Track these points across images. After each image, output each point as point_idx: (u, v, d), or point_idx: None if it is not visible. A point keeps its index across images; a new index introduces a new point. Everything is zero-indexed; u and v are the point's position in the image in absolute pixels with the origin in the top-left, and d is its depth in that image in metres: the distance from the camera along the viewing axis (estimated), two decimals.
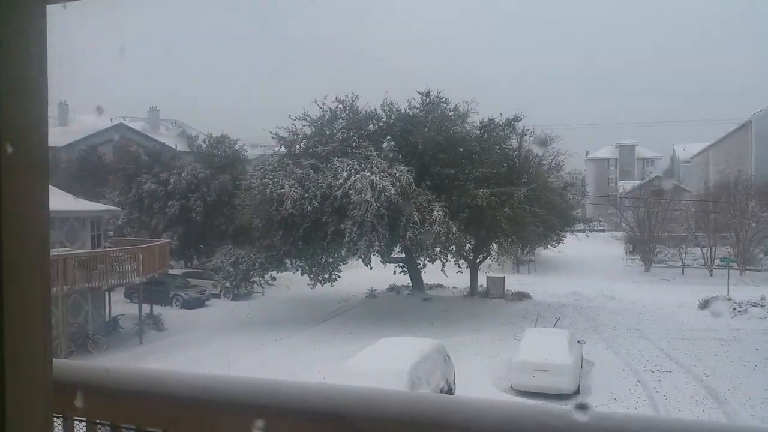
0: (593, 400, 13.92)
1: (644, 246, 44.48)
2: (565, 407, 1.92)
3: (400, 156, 25.96)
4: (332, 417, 1.86)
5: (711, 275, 38.74)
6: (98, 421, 2.24)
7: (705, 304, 26.01)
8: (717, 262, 39.83)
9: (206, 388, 2.04)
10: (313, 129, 28.67)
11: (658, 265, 43.72)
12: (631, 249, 47.46)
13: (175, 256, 34.12)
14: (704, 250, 42.06)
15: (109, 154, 41.80)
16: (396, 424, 1.83)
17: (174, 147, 45.61)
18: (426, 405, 1.90)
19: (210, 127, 40.17)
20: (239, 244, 28.24)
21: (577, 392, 14.83)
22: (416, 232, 23.47)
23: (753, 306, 24.58)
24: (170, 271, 30.09)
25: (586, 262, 44.27)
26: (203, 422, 2.08)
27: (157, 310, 25.43)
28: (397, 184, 23.53)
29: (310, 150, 27.51)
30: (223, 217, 32.94)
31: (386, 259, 29.18)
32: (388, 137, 27.53)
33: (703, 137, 63.00)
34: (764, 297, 25.90)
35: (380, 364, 11.31)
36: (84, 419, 2.23)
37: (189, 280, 31.35)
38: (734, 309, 24.55)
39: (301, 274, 27.41)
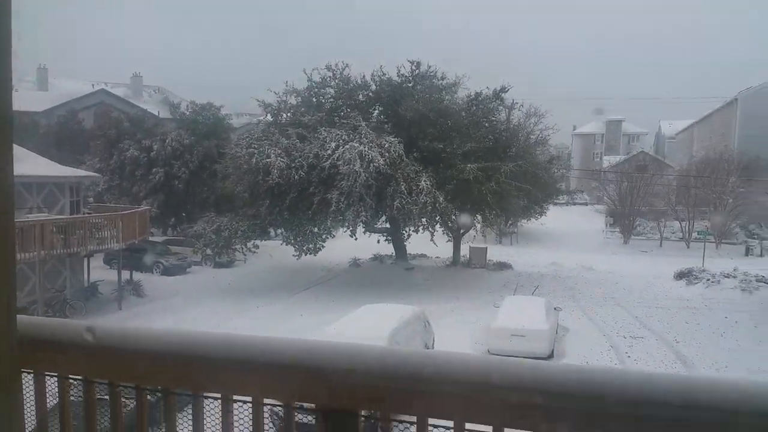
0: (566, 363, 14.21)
1: (624, 219, 45.09)
2: (535, 360, 1.92)
3: (388, 127, 25.73)
4: (308, 371, 1.85)
5: (688, 248, 39.50)
6: (70, 376, 2.21)
7: (680, 275, 26.55)
8: (694, 235, 40.58)
9: (182, 344, 2.00)
10: (301, 98, 28.28)
11: (637, 237, 44.41)
12: (612, 222, 48.08)
13: (156, 223, 33.80)
14: (683, 224, 42.79)
15: (89, 120, 40.99)
16: (370, 377, 1.82)
17: (156, 114, 44.86)
18: (400, 358, 1.89)
19: (194, 95, 39.45)
20: (222, 212, 28.00)
21: (551, 356, 15.21)
22: (403, 202, 23.42)
23: (726, 277, 25.13)
24: (151, 239, 29.86)
25: (567, 234, 44.83)
26: (178, 377, 2.05)
27: (137, 276, 25.29)
28: (386, 155, 23.37)
29: (297, 119, 27.14)
30: (206, 185, 32.60)
31: (370, 229, 29.19)
32: (377, 105, 27.24)
33: (690, 114, 63.54)
34: (737, 269, 26.47)
35: (361, 330, 11.40)
36: (55, 374, 2.19)
37: (170, 247, 31.15)
38: (708, 280, 25.08)
39: (286, 244, 27.36)
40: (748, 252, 37.57)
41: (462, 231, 31.97)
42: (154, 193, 32.87)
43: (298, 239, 26.37)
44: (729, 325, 18.46)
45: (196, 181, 33.36)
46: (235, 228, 25.76)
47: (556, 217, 43.72)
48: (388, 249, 31.90)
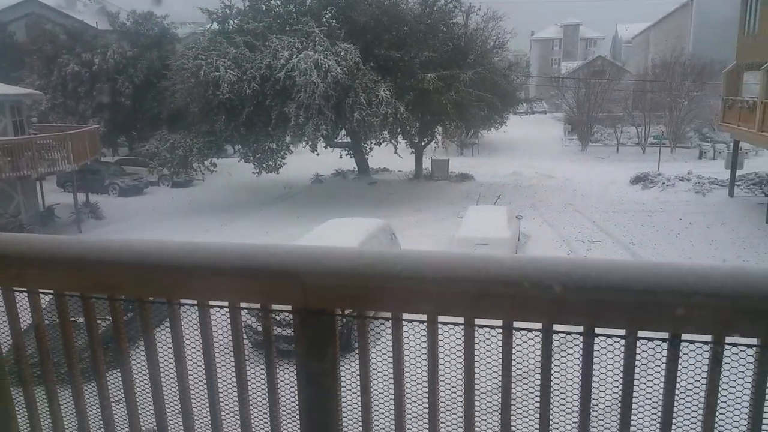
0: None
1: (582, 126, 45.65)
2: (503, 254, 1.98)
3: (342, 33, 24.77)
4: (281, 274, 1.87)
5: (644, 153, 40.56)
6: (40, 291, 2.18)
7: (636, 180, 27.42)
8: (650, 140, 41.57)
9: (155, 253, 1.97)
10: (248, 3, 26.77)
11: (595, 144, 45.24)
12: (570, 129, 48.67)
13: (104, 143, 32.58)
14: (639, 129, 43.66)
15: (21, 33, 38.17)
16: (342, 277, 1.86)
17: (95, 25, 41.99)
18: (370, 258, 1.93)
19: (134, 3, 36.86)
20: (175, 129, 27.04)
21: None
22: (363, 114, 23.01)
23: (680, 180, 26.09)
24: (103, 159, 28.93)
25: (527, 143, 45.32)
26: (152, 286, 2.05)
27: (94, 198, 24.70)
28: (343, 63, 22.63)
29: (245, 26, 25.81)
30: (155, 100, 31.21)
31: (331, 143, 28.86)
32: (329, 8, 26.01)
33: (647, 17, 63.08)
34: (690, 172, 27.46)
35: (327, 244, 11.51)
36: (24, 290, 2.16)
37: (124, 167, 30.32)
38: (663, 183, 26.01)
39: (245, 161, 26.88)
40: (701, 155, 38.78)
41: (423, 143, 31.95)
42: (100, 111, 31.46)
43: (257, 156, 25.90)
44: (683, 227, 19.34)
45: (143, 97, 31.90)
46: (190, 145, 25.01)
47: (516, 127, 44.00)
48: (350, 164, 31.76)
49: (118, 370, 2.13)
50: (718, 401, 1.64)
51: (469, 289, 1.76)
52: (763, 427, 1.61)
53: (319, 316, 1.90)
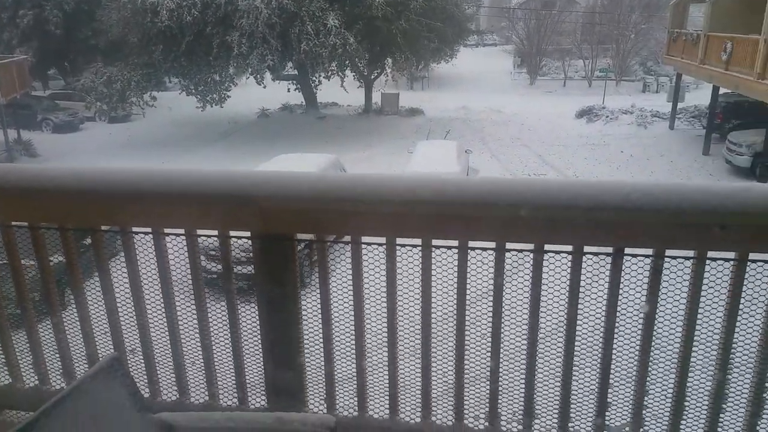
0: None
1: (531, 59, 45.71)
2: (460, 177, 2.02)
3: None
4: (239, 200, 1.85)
5: (590, 86, 41.13)
6: None
7: (581, 114, 27.93)
8: (597, 73, 42.12)
9: (106, 180, 1.90)
10: None
11: (543, 78, 45.50)
12: (519, 63, 48.65)
13: (35, 75, 30.54)
14: (586, 62, 44.06)
15: None
16: (303, 201, 1.86)
17: None
18: (330, 182, 1.93)
19: None
20: (111, 61, 25.54)
21: None
22: (311, 44, 22.27)
23: (624, 113, 26.75)
24: (34, 93, 27.23)
25: (477, 76, 45.15)
26: (104, 215, 1.99)
27: (26, 135, 23.37)
28: None
29: None
30: (89, 29, 29.24)
31: (278, 76, 27.98)
32: None
33: None
34: (634, 105, 28.16)
35: None
36: None
37: (57, 102, 28.64)
38: (607, 117, 26.62)
39: (187, 95, 25.79)
40: (645, 88, 39.59)
41: (373, 77, 31.42)
42: (27, 40, 29.27)
43: (200, 88, 24.90)
44: (624, 159, 19.99)
45: (75, 26, 29.76)
46: (128, 78, 23.75)
47: (466, 60, 43.60)
48: (298, 98, 31.00)
49: (73, 303, 2.10)
50: (658, 310, 1.77)
51: (428, 212, 1.79)
52: (697, 331, 1.75)
53: (279, 241, 1.91)
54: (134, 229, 1.97)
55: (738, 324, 1.72)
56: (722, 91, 19.68)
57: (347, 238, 1.94)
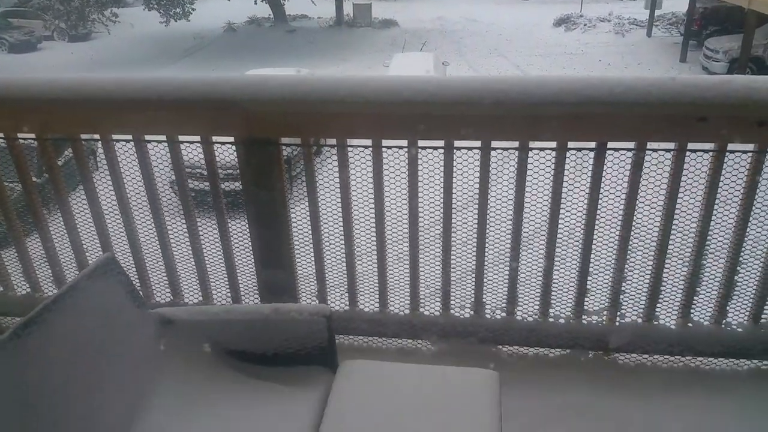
0: None
1: None
2: (443, 77, 1.99)
3: None
4: (221, 104, 1.81)
5: None
6: None
7: (559, 22, 27.32)
8: None
9: (82, 88, 1.81)
10: None
11: None
12: None
13: None
14: None
15: None
16: (286, 104, 1.82)
17: None
18: (313, 84, 1.89)
19: None
20: None
21: None
22: None
23: (601, 21, 26.24)
24: None
25: None
26: (82, 123, 1.93)
27: None
28: None
29: None
30: None
31: None
32: None
33: None
34: (611, 12, 27.56)
35: None
36: None
37: (10, 20, 27.00)
38: (585, 25, 26.11)
39: (149, 10, 24.49)
40: None
41: None
42: None
43: (162, 2, 23.66)
44: (602, 68, 19.81)
45: None
46: None
47: None
48: (265, 11, 29.66)
49: (58, 212, 2.08)
50: (638, 200, 1.83)
51: (413, 112, 1.78)
52: (675, 218, 1.82)
53: (264, 145, 1.89)
54: (114, 137, 1.93)
55: (715, 213, 1.79)
56: None
57: (334, 141, 1.93)
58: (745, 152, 1.71)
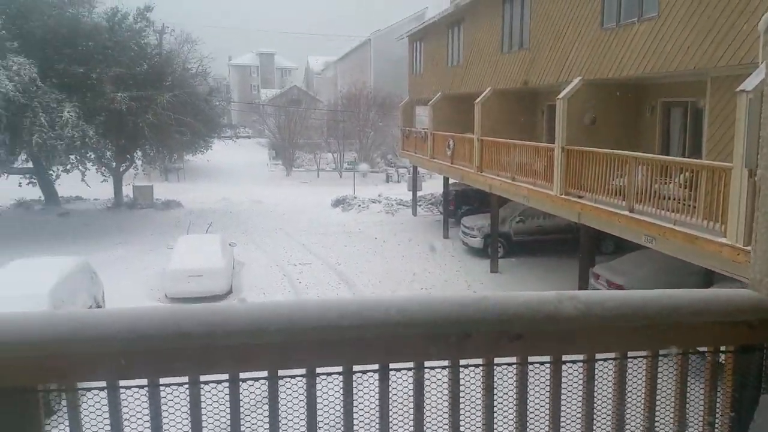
0: (245, 296, 14.92)
1: (285, 152, 47.81)
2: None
3: (14, 45, 21.38)
4: None
5: (341, 177, 44.28)
6: None
7: (336, 203, 29.76)
8: (345, 165, 45.62)
9: None
10: None
11: (298, 169, 47.76)
12: (274, 155, 50.49)
13: None
14: (335, 155, 47.58)
15: None
16: (40, 346, 1.61)
17: None
18: (78, 321, 1.72)
19: None
20: None
21: (230, 292, 15.57)
22: (45, 137, 20.42)
23: (372, 202, 29.24)
24: None
25: (234, 168, 45.47)
26: None
27: None
28: (16, 78, 19.73)
29: None
30: None
31: (8, 169, 24.75)
32: None
33: (333, 51, 69.25)
34: (381, 194, 31.03)
35: (14, 290, 9.69)
36: None
37: None
38: (359, 206, 28.78)
39: None
40: (388, 179, 43.94)
41: (122, 169, 29.54)
42: None
43: None
44: (379, 245, 21.51)
45: None
46: None
47: (222, 152, 43.65)
48: (34, 193, 27.50)
49: None
50: (425, 420, 1.89)
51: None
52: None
53: (19, 394, 1.61)
54: None
55: (495, 423, 1.92)
56: (452, 180, 22.67)
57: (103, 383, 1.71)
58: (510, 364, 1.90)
